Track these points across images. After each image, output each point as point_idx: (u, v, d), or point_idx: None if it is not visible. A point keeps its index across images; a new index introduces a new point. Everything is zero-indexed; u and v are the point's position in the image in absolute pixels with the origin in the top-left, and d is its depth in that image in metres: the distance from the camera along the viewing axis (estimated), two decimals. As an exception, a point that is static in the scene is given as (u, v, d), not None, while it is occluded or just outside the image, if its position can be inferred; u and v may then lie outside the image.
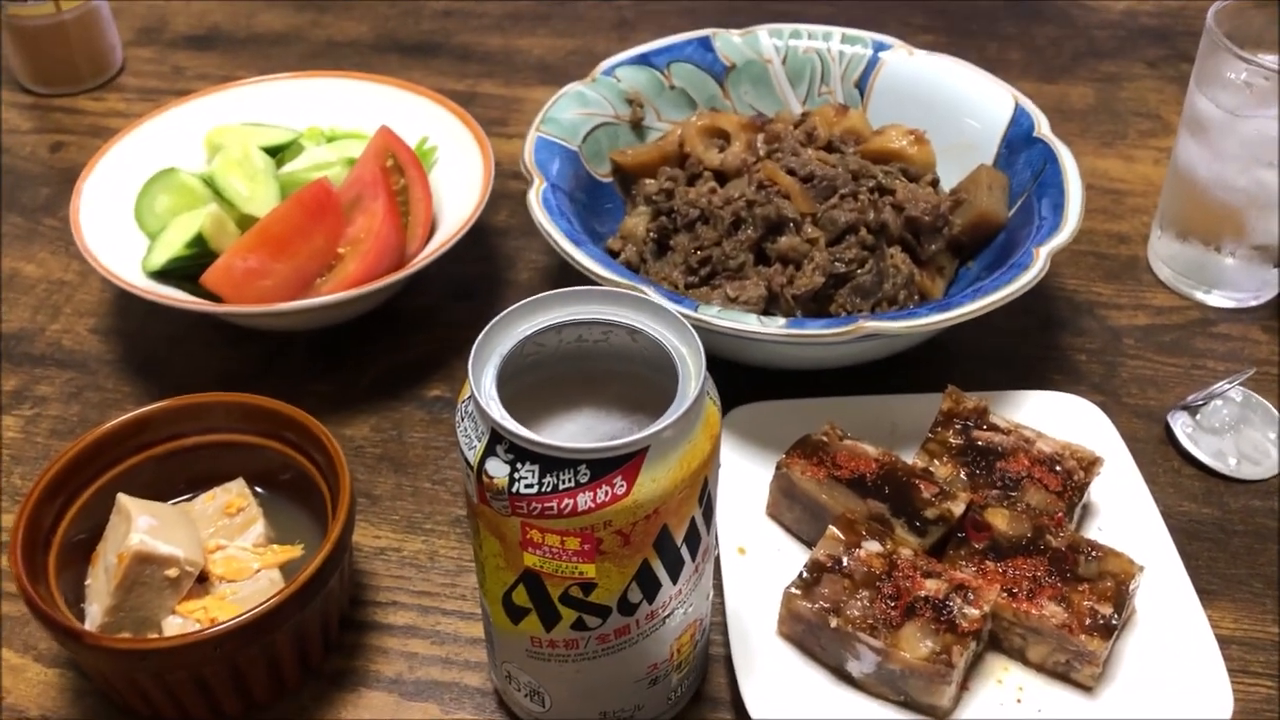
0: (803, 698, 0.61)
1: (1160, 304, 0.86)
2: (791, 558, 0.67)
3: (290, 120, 0.89)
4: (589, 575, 0.51)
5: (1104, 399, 0.78)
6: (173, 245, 0.78)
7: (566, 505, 0.49)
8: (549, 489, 0.49)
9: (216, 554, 0.64)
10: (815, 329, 0.68)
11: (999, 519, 0.65)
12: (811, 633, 0.61)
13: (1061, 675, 0.62)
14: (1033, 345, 0.83)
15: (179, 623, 0.61)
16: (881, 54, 0.90)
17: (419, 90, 0.89)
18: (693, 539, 0.53)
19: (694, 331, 0.52)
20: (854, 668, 0.61)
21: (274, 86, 0.91)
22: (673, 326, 0.53)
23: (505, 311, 0.53)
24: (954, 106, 0.87)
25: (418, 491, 0.74)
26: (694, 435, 0.50)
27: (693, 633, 0.58)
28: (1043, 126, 0.82)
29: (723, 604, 0.65)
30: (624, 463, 0.48)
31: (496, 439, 0.49)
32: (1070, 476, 0.67)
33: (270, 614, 0.57)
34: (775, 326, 0.68)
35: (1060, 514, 0.65)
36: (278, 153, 0.86)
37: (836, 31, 0.91)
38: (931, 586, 0.61)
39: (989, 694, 0.61)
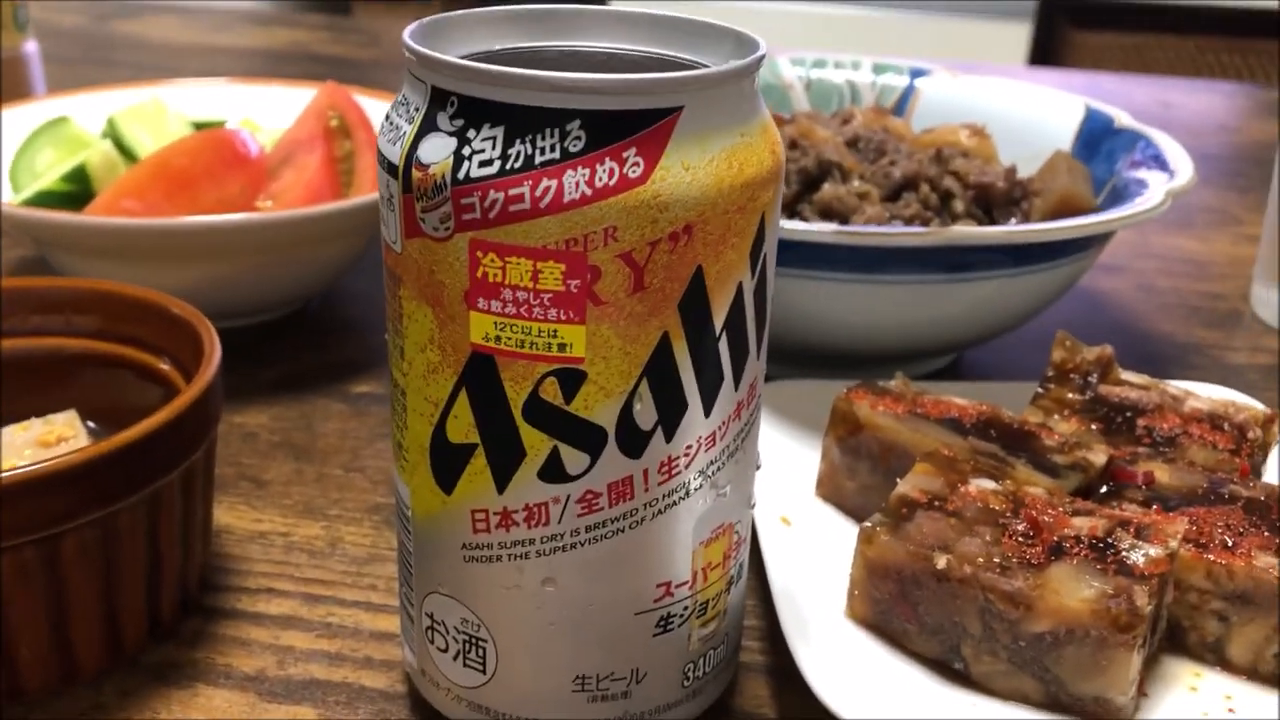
0: (899, 699, 0.39)
1: (1283, 348, 0.70)
2: (854, 537, 0.46)
3: (223, 118, 0.75)
4: (574, 352, 0.31)
5: (1241, 422, 0.59)
6: (46, 179, 0.61)
7: (545, 191, 0.30)
8: (517, 164, 0.30)
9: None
10: (880, 230, 0.50)
11: (1159, 472, 0.45)
12: (904, 595, 0.40)
13: (1288, 679, 0.40)
14: (1134, 377, 0.65)
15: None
16: (918, 81, 0.78)
17: (380, 94, 0.75)
18: (737, 333, 0.34)
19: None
20: (970, 648, 0.39)
21: (211, 89, 0.77)
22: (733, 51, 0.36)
23: (481, 10, 0.36)
24: (1012, 124, 0.73)
25: (324, 478, 0.53)
26: (751, 128, 0.32)
27: (726, 549, 0.37)
28: (1123, 119, 0.68)
29: (763, 588, 0.44)
30: (642, 125, 0.30)
31: (439, 102, 0.31)
32: (1243, 433, 0.48)
33: (43, 482, 0.36)
34: (827, 228, 0.50)
35: (1244, 466, 0.46)
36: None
37: (866, 61, 0.79)
38: (1083, 525, 0.40)
39: (1182, 704, 0.39)
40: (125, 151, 0.64)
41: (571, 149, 0.30)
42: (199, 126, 0.69)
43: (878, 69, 0.79)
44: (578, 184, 0.30)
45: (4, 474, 0.35)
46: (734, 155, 0.31)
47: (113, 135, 0.65)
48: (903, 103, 0.78)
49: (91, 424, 0.48)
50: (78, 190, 0.61)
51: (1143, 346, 0.69)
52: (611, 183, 0.30)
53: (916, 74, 0.78)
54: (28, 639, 0.38)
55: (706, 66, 0.35)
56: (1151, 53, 2.11)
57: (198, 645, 0.42)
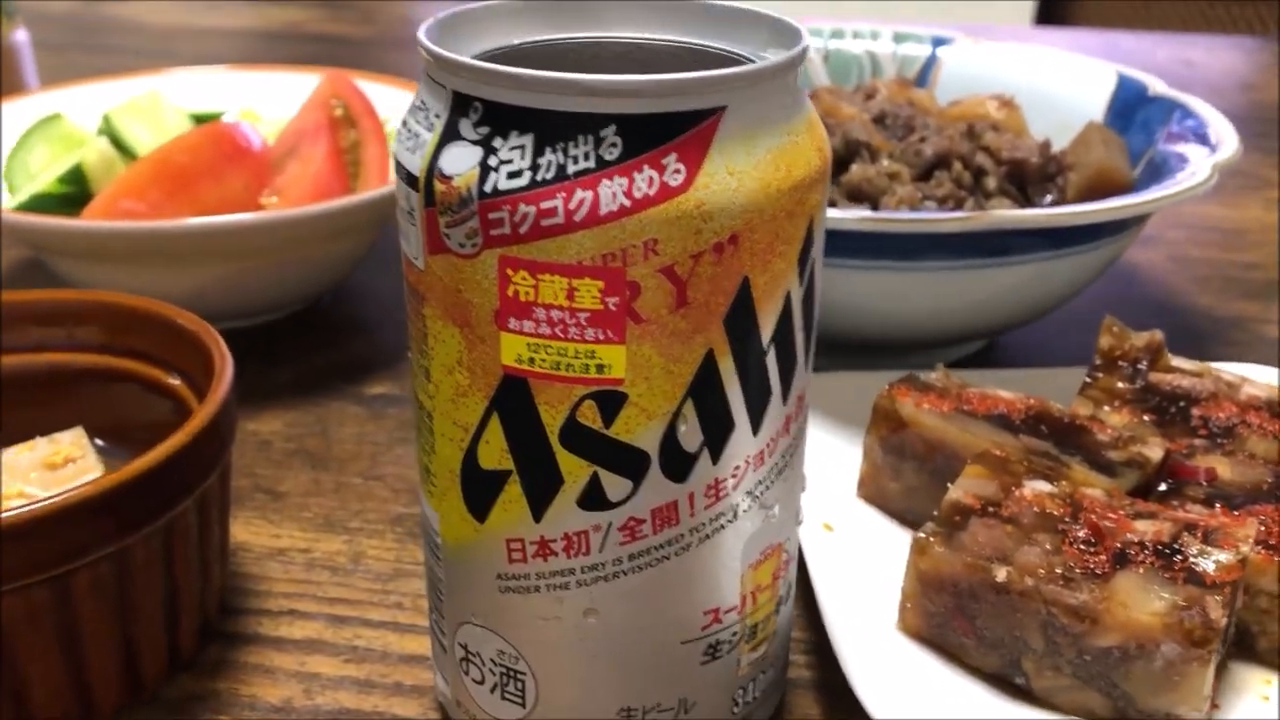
0: (958, 717, 0.37)
1: (1327, 321, 0.67)
2: (902, 543, 0.44)
3: (222, 108, 0.72)
4: (613, 373, 0.29)
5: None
6: (42, 180, 0.58)
7: (579, 204, 0.28)
8: (549, 175, 0.28)
9: (14, 500, 0.41)
10: (919, 216, 0.48)
11: (1220, 467, 0.43)
12: (960, 608, 0.38)
13: (1365, 685, 0.38)
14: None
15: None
16: (940, 50, 0.75)
17: (384, 79, 0.73)
18: (786, 345, 0.31)
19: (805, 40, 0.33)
20: (1032, 663, 0.37)
21: (209, 77, 0.74)
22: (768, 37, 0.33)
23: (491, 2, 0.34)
24: (1040, 94, 0.70)
25: (343, 488, 0.51)
26: (797, 126, 0.30)
27: (775, 570, 0.35)
28: (1158, 86, 0.66)
29: (806, 597, 0.42)
30: (683, 128, 0.28)
31: (463, 107, 0.29)
32: (1305, 422, 0.46)
33: (54, 518, 0.34)
34: (861, 214, 0.48)
35: (1310, 458, 0.44)
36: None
37: (886, 30, 0.77)
38: (1146, 529, 0.38)
39: (1256, 716, 0.37)
40: (123, 149, 0.62)
41: (607, 157, 0.28)
42: (198, 120, 0.67)
43: (898, 38, 0.76)
44: (615, 195, 0.28)
45: (11, 512, 0.33)
46: (781, 156, 0.29)
47: (109, 132, 0.62)
48: (925, 73, 0.75)
49: (99, 441, 0.46)
50: (75, 191, 0.58)
51: (1181, 322, 0.66)
52: (651, 192, 0.28)
53: (938, 43, 0.75)
54: (41, 680, 0.36)
55: (742, 57, 0.32)
56: (1160, 7, 2.07)
57: (220, 675, 0.41)
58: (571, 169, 0.28)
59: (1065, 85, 0.70)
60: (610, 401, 0.30)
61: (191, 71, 0.74)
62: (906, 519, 0.46)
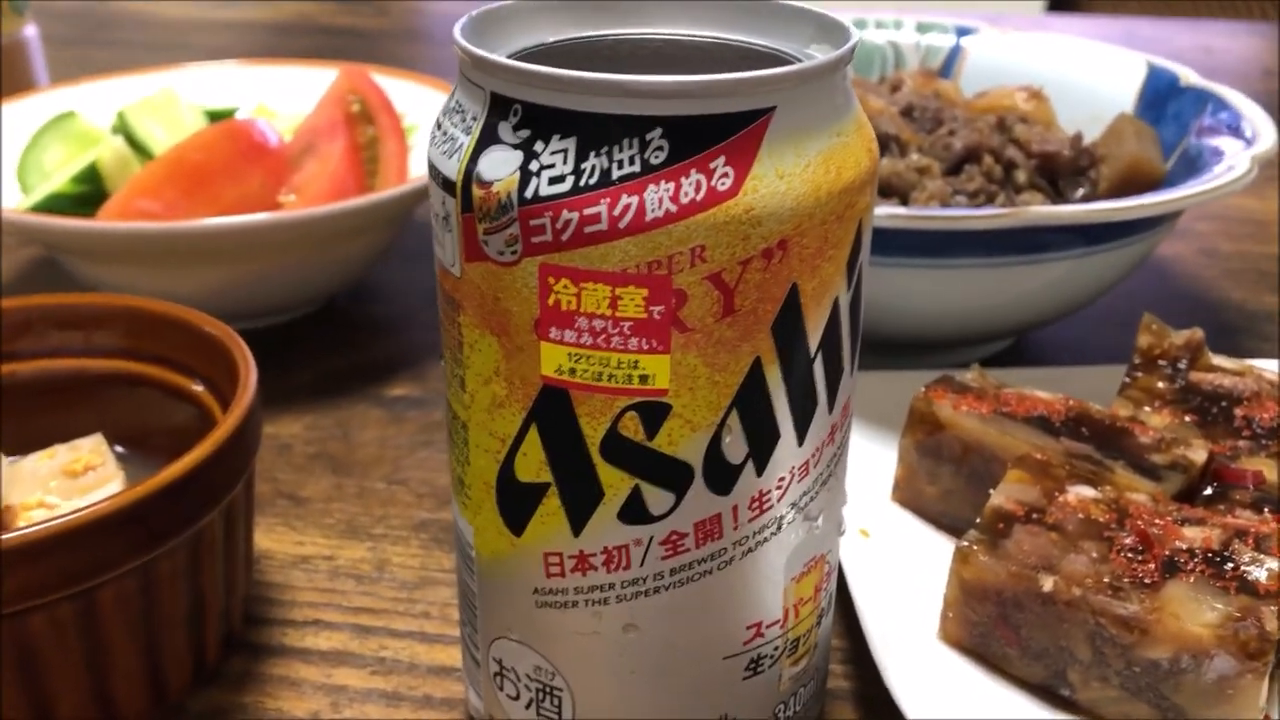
0: (998, 728, 0.36)
1: (1359, 315, 0.66)
2: (940, 548, 0.43)
3: (236, 104, 0.71)
4: (657, 384, 0.28)
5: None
6: (57, 180, 0.57)
7: (624, 210, 0.27)
8: (593, 180, 0.27)
9: (36, 511, 0.40)
10: (953, 213, 0.47)
11: (1265, 469, 0.42)
12: (1004, 617, 0.37)
13: None
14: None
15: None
16: (964, 40, 0.74)
17: (400, 74, 0.72)
18: (833, 352, 0.30)
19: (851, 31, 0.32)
20: (1078, 674, 0.36)
21: (221, 71, 0.73)
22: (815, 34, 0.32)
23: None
24: (1068, 85, 0.69)
25: (365, 493, 0.50)
26: (846, 126, 0.29)
27: (818, 582, 0.34)
28: (1190, 77, 0.65)
29: (843, 604, 0.41)
30: (731, 130, 0.27)
31: (501, 109, 0.28)
32: (1352, 423, 0.45)
33: (80, 532, 0.33)
34: (896, 211, 0.47)
35: (1358, 460, 0.43)
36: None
37: (909, 20, 0.76)
38: (1195, 536, 0.37)
39: (1307, 726, 0.36)
40: (137, 147, 0.61)
41: (653, 161, 0.27)
42: (213, 116, 0.66)
43: (921, 28, 0.75)
44: (661, 200, 0.27)
45: (35, 527, 0.32)
46: (830, 158, 0.28)
47: (124, 130, 0.61)
48: (949, 64, 0.74)
49: (119, 448, 0.45)
50: (90, 191, 0.58)
51: (1214, 317, 0.65)
52: (699, 197, 0.27)
53: (962, 32, 0.74)
54: (66, 697, 0.35)
55: (786, 54, 0.31)
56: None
57: (245, 688, 0.40)
58: (616, 174, 0.27)
59: (1093, 76, 0.69)
60: (653, 413, 0.29)
61: (204, 67, 0.73)
62: (943, 523, 0.45)
